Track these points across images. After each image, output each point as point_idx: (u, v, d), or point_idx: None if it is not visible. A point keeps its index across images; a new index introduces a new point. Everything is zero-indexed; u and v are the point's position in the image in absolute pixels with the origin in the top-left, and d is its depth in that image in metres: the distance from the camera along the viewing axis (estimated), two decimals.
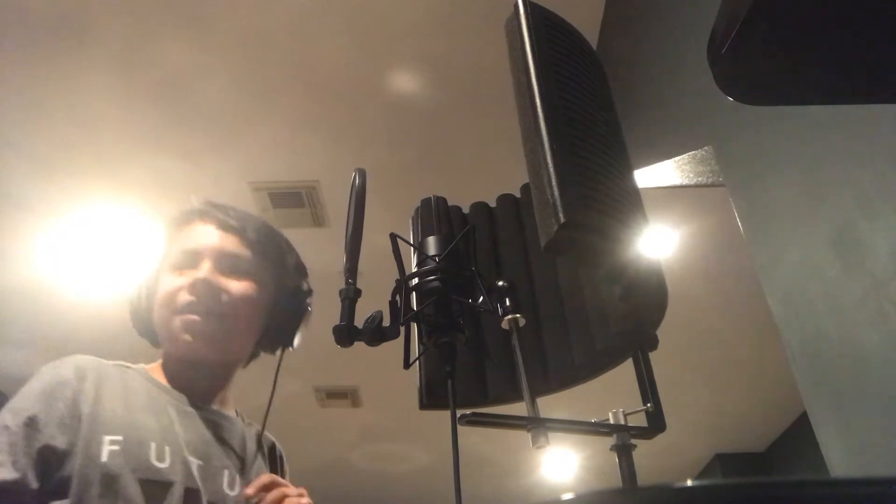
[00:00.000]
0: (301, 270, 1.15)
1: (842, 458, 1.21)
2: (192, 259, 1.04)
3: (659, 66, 2.02)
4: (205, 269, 1.02)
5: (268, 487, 0.94)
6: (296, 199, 3.08)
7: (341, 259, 0.86)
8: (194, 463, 0.93)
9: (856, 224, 1.14)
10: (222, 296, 1.02)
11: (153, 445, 0.91)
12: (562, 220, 0.64)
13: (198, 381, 1.05)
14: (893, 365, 1.07)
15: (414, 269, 0.88)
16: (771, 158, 1.41)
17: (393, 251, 0.88)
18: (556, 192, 0.65)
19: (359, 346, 0.82)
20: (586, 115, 0.75)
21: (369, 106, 2.73)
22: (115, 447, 0.88)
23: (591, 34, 2.42)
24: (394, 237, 0.89)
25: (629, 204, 0.74)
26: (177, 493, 0.88)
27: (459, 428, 0.75)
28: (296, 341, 1.10)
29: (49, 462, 0.85)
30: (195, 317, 1.00)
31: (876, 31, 0.63)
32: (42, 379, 0.92)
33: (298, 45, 2.53)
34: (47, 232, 3.12)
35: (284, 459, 1.15)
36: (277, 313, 1.08)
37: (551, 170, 0.66)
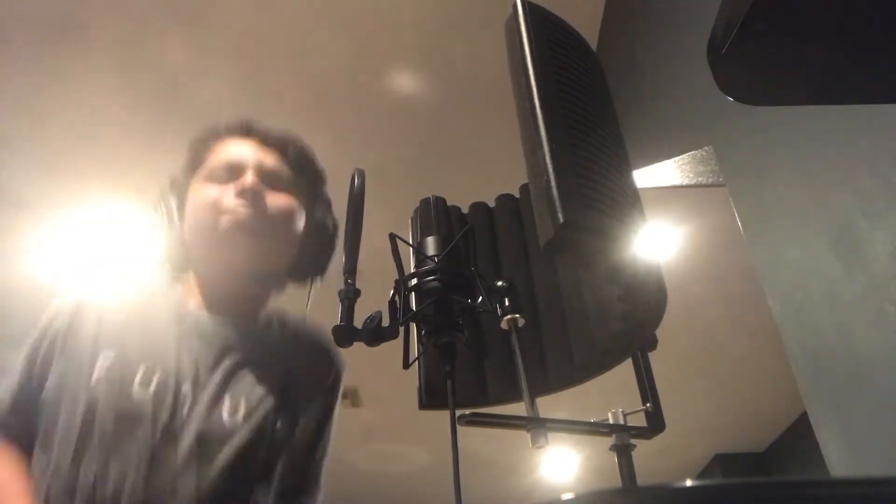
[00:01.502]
0: (330, 205, 1.16)
1: (842, 458, 1.21)
2: (233, 171, 1.03)
3: (659, 66, 2.02)
4: (249, 179, 1.01)
5: None
6: None
7: (341, 259, 0.86)
8: (189, 393, 0.90)
9: (856, 224, 1.14)
10: (268, 203, 1.01)
11: (141, 369, 0.89)
12: (561, 219, 0.64)
13: (235, 294, 1.03)
14: (893, 365, 1.07)
15: (413, 270, 0.88)
16: (771, 158, 1.41)
17: (392, 251, 0.88)
18: (556, 192, 0.65)
19: (358, 346, 0.82)
20: (585, 116, 0.75)
21: (369, 106, 2.73)
22: (106, 362, 0.89)
23: (591, 34, 2.42)
24: (393, 237, 0.89)
25: (628, 204, 0.74)
26: (148, 427, 0.85)
27: (459, 428, 0.75)
28: (326, 273, 1.09)
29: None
30: (244, 214, 0.98)
31: (876, 30, 0.63)
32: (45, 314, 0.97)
33: (298, 45, 2.53)
34: (47, 231, 3.12)
35: (340, 369, 1.10)
36: (310, 239, 1.08)
37: (550, 170, 0.66)
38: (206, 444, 0.88)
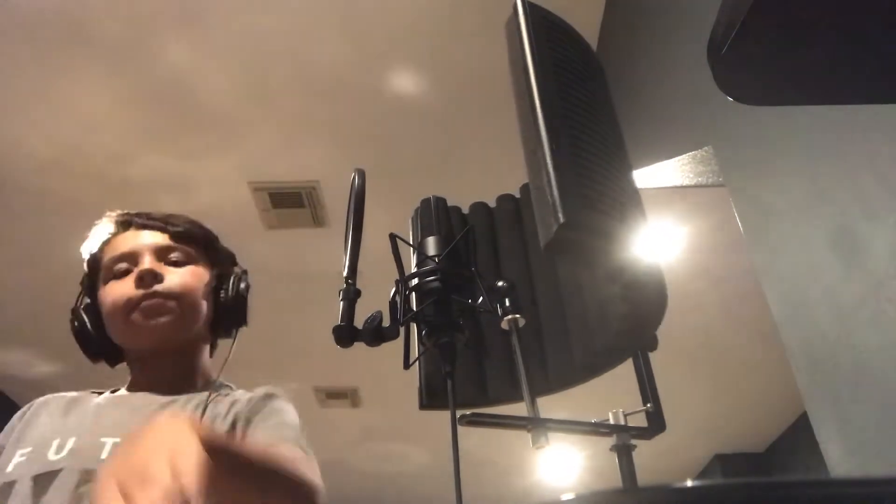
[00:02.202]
0: (231, 257, 1.19)
1: (842, 458, 1.21)
2: (129, 262, 1.07)
3: (659, 66, 2.02)
4: (146, 261, 1.06)
5: None
6: (296, 199, 3.08)
7: (341, 259, 0.86)
8: (109, 442, 0.94)
9: (856, 224, 1.14)
10: (167, 279, 1.06)
11: (55, 443, 0.94)
12: (561, 220, 0.64)
13: (163, 372, 1.07)
14: (893, 365, 1.07)
15: (414, 270, 0.88)
16: (771, 158, 1.41)
17: (393, 251, 0.89)
18: (556, 193, 0.65)
19: (359, 346, 0.82)
20: (586, 116, 0.75)
21: (369, 106, 2.73)
22: (22, 458, 0.93)
23: (591, 34, 2.42)
24: (393, 237, 0.89)
25: (629, 204, 0.74)
26: (67, 477, 0.90)
27: (459, 428, 0.75)
28: (247, 321, 1.14)
29: None
30: (151, 302, 1.03)
31: (876, 30, 0.63)
32: None
33: (298, 45, 2.53)
34: (48, 232, 3.12)
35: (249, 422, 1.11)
36: (223, 296, 1.12)
37: (551, 170, 0.66)
38: None
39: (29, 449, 0.95)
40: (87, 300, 1.10)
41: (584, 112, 0.75)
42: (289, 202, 3.10)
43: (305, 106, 2.73)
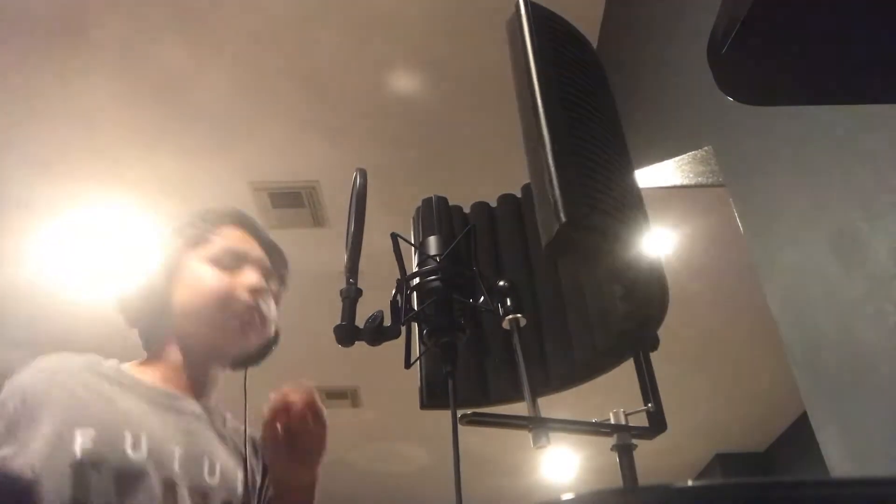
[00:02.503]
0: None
1: (842, 458, 1.21)
2: (235, 261, 1.06)
3: (659, 66, 2.02)
4: (256, 278, 1.06)
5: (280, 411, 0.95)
6: (296, 199, 3.08)
7: (342, 259, 0.86)
8: (177, 451, 0.93)
9: (856, 224, 1.14)
10: (269, 306, 1.07)
11: (129, 435, 0.90)
12: (563, 219, 0.64)
13: (198, 376, 1.05)
14: (893, 365, 1.07)
15: (415, 269, 0.88)
16: (771, 158, 1.41)
17: (394, 251, 0.89)
18: (558, 192, 0.65)
19: (359, 345, 0.82)
20: (587, 115, 0.75)
21: (369, 106, 2.73)
22: (88, 439, 0.87)
23: (591, 34, 2.42)
24: (395, 237, 0.89)
25: (630, 204, 0.74)
26: (152, 483, 0.87)
27: (460, 428, 0.75)
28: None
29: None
30: (253, 317, 1.03)
31: (876, 31, 0.63)
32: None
33: (298, 45, 2.53)
34: (47, 231, 3.12)
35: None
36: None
37: (552, 170, 0.66)
38: (196, 497, 0.92)
39: (92, 431, 0.88)
40: (163, 259, 1.05)
41: (586, 111, 0.75)
42: (289, 202, 3.10)
43: (305, 106, 2.73)
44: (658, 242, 3.07)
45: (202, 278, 1.03)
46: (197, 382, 1.05)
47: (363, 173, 0.91)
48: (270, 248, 1.13)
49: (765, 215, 1.45)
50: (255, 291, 1.04)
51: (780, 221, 1.39)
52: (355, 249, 0.86)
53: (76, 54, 2.50)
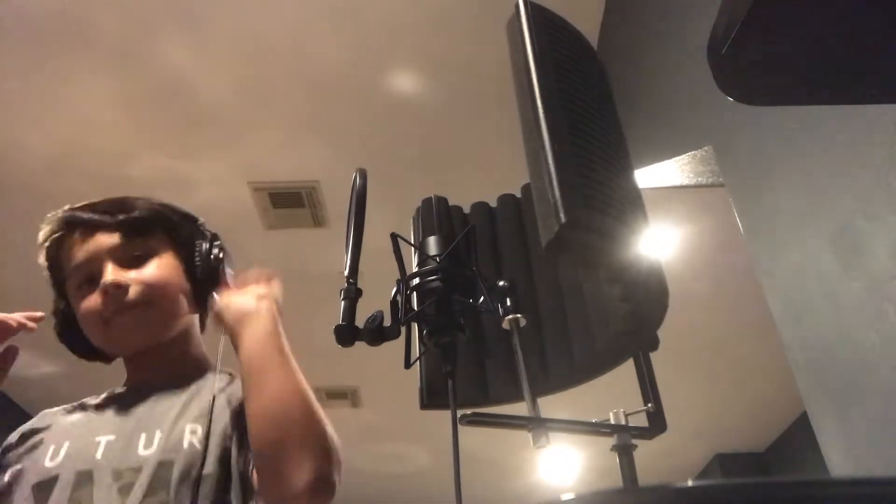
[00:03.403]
0: (190, 218, 1.12)
1: (842, 458, 1.21)
2: (89, 271, 1.03)
3: (659, 66, 2.03)
4: (108, 272, 1.01)
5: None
6: (296, 199, 3.08)
7: (342, 259, 0.86)
8: (103, 441, 0.94)
9: (856, 224, 1.14)
10: (133, 288, 1.01)
11: (50, 449, 0.94)
12: (563, 219, 0.64)
13: (152, 365, 1.05)
14: (893, 365, 1.07)
15: (415, 269, 0.88)
16: (771, 158, 1.41)
17: (394, 251, 0.89)
18: (557, 192, 0.65)
19: (359, 345, 0.82)
20: (587, 115, 0.75)
21: (369, 106, 2.73)
22: (17, 467, 0.94)
23: (591, 34, 2.42)
24: (395, 237, 0.89)
25: (630, 204, 0.74)
26: (65, 481, 0.90)
27: (460, 428, 0.75)
28: (229, 279, 1.07)
29: None
30: (123, 318, 1.00)
31: (876, 31, 0.63)
32: None
33: (298, 45, 2.53)
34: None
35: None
36: (198, 273, 1.06)
37: (552, 170, 0.66)
38: (124, 475, 0.91)
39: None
40: (63, 303, 1.06)
41: (586, 112, 0.75)
42: (289, 202, 3.10)
43: (305, 106, 2.73)
44: (658, 243, 3.07)
45: (79, 314, 1.03)
46: (158, 370, 1.05)
47: (363, 173, 0.91)
48: (114, 222, 1.05)
49: (765, 215, 1.45)
50: (106, 292, 1.00)
51: (780, 221, 1.39)
52: (355, 249, 0.86)
53: (76, 54, 2.50)
